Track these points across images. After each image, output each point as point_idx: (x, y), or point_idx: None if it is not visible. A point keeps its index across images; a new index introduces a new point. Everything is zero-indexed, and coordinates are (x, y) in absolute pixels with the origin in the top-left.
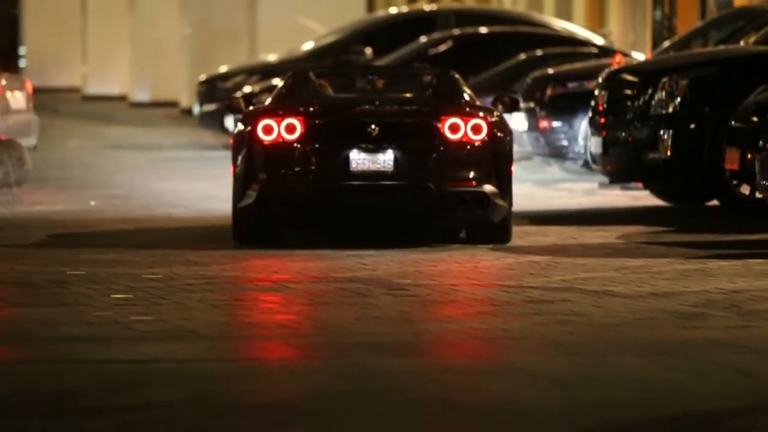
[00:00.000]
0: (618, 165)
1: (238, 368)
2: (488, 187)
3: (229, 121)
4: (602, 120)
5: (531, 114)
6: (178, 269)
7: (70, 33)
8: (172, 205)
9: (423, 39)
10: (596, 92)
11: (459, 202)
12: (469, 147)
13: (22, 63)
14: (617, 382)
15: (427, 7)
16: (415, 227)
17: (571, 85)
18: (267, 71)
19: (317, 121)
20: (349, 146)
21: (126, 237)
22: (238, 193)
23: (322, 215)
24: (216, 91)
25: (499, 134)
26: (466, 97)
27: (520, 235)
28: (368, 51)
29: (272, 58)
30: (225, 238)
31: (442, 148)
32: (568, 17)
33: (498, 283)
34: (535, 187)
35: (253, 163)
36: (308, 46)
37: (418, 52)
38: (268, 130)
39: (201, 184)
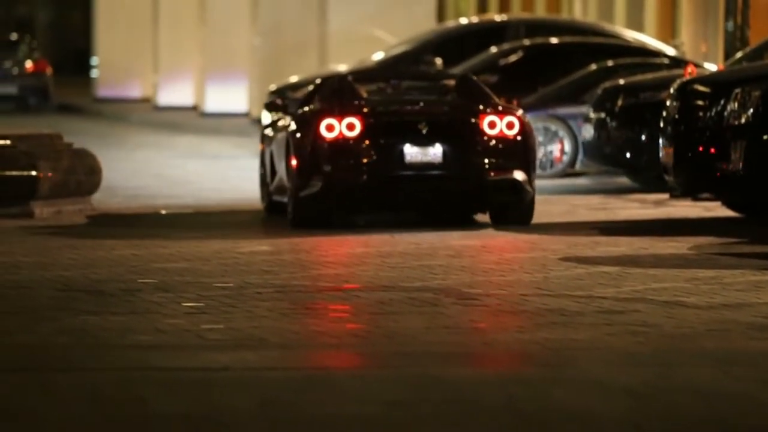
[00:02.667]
0: (690, 176)
1: (308, 377)
2: (520, 175)
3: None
4: (674, 131)
5: (601, 124)
6: (249, 278)
7: (142, 44)
8: (244, 214)
9: (493, 49)
10: (668, 103)
11: (497, 189)
12: (504, 141)
13: (94, 73)
14: (688, 393)
15: (498, 18)
16: (457, 211)
17: (643, 95)
18: None
19: (375, 120)
20: (403, 141)
21: (197, 246)
22: (300, 184)
23: (380, 201)
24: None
25: (526, 129)
26: (493, 97)
27: (590, 245)
28: (438, 61)
29: (342, 68)
30: (297, 248)
31: (482, 142)
32: (639, 28)
33: (568, 293)
34: (605, 197)
35: (316, 157)
36: (378, 56)
37: (488, 62)
38: (330, 128)
39: None
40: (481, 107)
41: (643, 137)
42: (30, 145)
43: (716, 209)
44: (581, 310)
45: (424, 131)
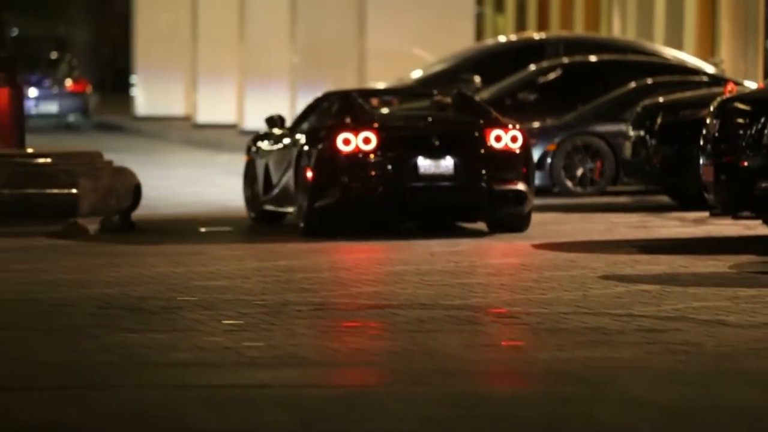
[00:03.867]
0: (729, 194)
1: (348, 395)
2: (524, 186)
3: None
4: (714, 149)
5: (641, 142)
6: (289, 295)
7: (181, 62)
8: (283, 233)
9: (532, 67)
10: (708, 121)
11: (504, 199)
12: (508, 153)
13: (134, 91)
14: (729, 412)
15: (536, 36)
16: (465, 220)
17: (682, 113)
18: None
19: (389, 134)
20: (417, 154)
21: (236, 264)
22: (315, 195)
23: (395, 211)
24: None
25: (528, 143)
26: (492, 112)
27: (630, 264)
28: (477, 79)
29: (381, 86)
30: (336, 266)
31: (489, 155)
32: (678, 46)
33: (608, 311)
34: (645, 215)
35: (333, 169)
36: (417, 74)
37: (527, 80)
38: (346, 141)
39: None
40: (487, 122)
41: (683, 155)
42: (70, 164)
43: (757, 227)
44: (621, 329)
45: (436, 144)
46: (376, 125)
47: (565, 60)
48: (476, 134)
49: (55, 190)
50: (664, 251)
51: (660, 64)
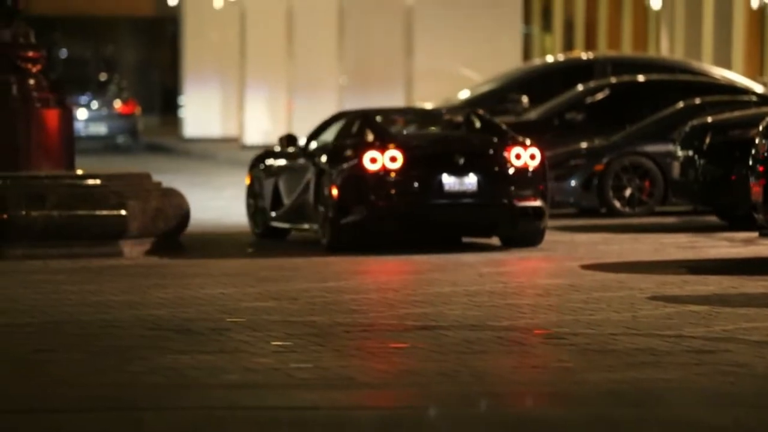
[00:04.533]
0: None
1: (396, 416)
2: (542, 202)
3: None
4: (763, 168)
5: (690, 162)
6: (337, 316)
7: (229, 83)
8: (319, 250)
9: (580, 87)
10: (757, 140)
11: (524, 215)
12: (527, 171)
13: (182, 113)
14: None
15: (584, 56)
16: (486, 234)
17: (731, 133)
18: None
19: (415, 153)
20: (441, 172)
21: (284, 285)
22: (341, 212)
23: (421, 227)
24: None
25: (544, 160)
26: (507, 129)
27: (679, 284)
28: (525, 99)
29: (428, 106)
30: (384, 287)
31: (510, 172)
32: (726, 65)
33: (657, 332)
34: (693, 235)
35: (359, 187)
36: (464, 94)
37: (574, 100)
38: (373, 160)
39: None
40: (506, 140)
41: (732, 175)
42: (119, 185)
43: None
44: (671, 350)
45: (459, 162)
46: (401, 144)
47: (613, 80)
48: (497, 152)
49: (104, 212)
50: (713, 272)
51: (708, 83)
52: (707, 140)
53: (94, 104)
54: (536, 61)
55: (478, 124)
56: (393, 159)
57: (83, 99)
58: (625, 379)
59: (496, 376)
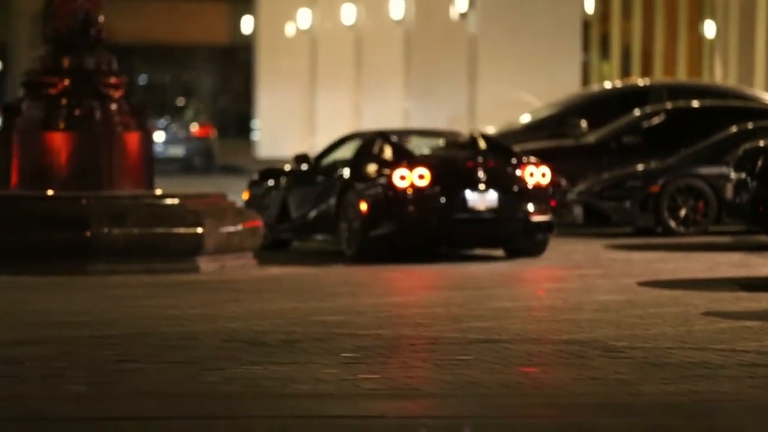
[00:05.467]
0: None
1: (460, 425)
2: (551, 217)
3: None
4: None
5: (742, 184)
6: (403, 330)
7: (300, 107)
8: (394, 270)
9: (636, 112)
10: None
11: (538, 229)
12: (539, 188)
13: (255, 135)
14: None
15: (641, 82)
16: (503, 247)
17: None
18: None
19: (440, 171)
20: (465, 188)
21: (352, 300)
22: (369, 225)
23: (446, 240)
24: None
25: (554, 178)
26: (511, 148)
27: (732, 301)
28: (583, 123)
29: (491, 130)
30: (449, 302)
31: (525, 189)
32: None
33: (711, 346)
34: (746, 254)
35: (389, 202)
36: (525, 118)
37: (632, 124)
38: (402, 177)
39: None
40: (520, 159)
41: None
42: (196, 204)
43: None
44: (724, 363)
45: (481, 180)
46: (428, 163)
47: (669, 105)
48: (514, 170)
49: (182, 230)
50: (766, 289)
51: (760, 109)
52: (759, 163)
53: (172, 128)
54: (594, 87)
55: (483, 145)
56: (421, 177)
57: (162, 123)
58: (679, 392)
59: (556, 387)
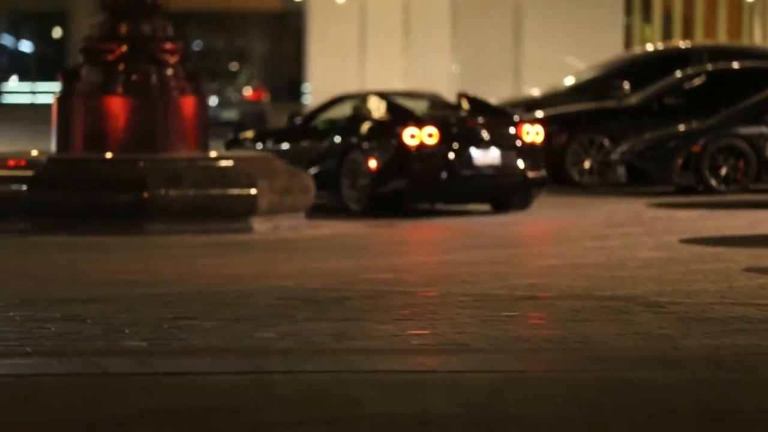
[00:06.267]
0: None
1: (507, 379)
2: (545, 173)
3: None
4: None
5: None
6: (451, 287)
7: (349, 72)
8: (441, 229)
9: (678, 74)
10: None
11: (535, 184)
12: (534, 145)
13: (306, 99)
14: None
15: (682, 44)
16: (503, 201)
17: None
18: (531, 105)
19: (448, 130)
20: (470, 146)
21: (401, 258)
22: (378, 182)
23: (453, 195)
24: None
25: (547, 136)
26: (495, 106)
27: None
28: (626, 85)
29: (536, 92)
30: (494, 260)
31: (523, 147)
32: None
33: (752, 302)
34: None
35: (399, 159)
36: (569, 81)
37: (673, 86)
38: (413, 136)
39: (470, 208)
40: (516, 118)
41: None
42: (249, 166)
43: None
44: (765, 318)
45: (484, 138)
46: (436, 122)
47: (709, 67)
48: (513, 129)
49: (236, 191)
50: None
51: None
52: None
53: (227, 92)
54: (637, 50)
55: (466, 105)
56: (430, 135)
57: (216, 87)
58: (722, 345)
59: (600, 342)
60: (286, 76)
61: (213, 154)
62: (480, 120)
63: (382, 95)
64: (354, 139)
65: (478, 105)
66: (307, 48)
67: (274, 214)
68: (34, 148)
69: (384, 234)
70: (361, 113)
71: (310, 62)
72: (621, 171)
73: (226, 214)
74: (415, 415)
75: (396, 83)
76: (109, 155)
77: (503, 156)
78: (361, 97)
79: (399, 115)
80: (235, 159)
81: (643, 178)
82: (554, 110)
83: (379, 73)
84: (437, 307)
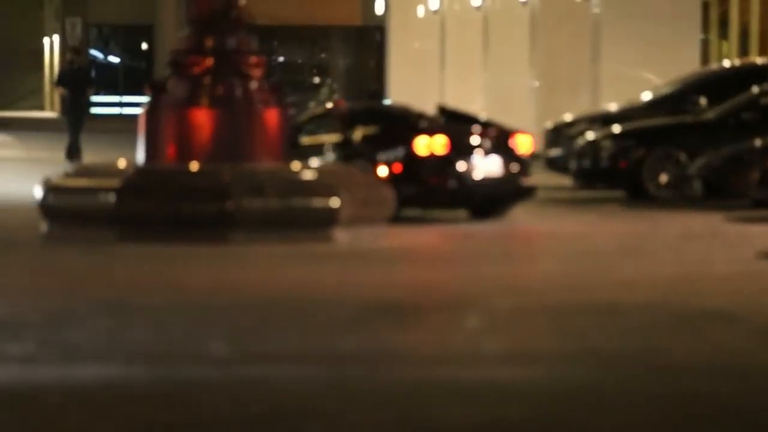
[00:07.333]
0: None
1: (580, 391)
2: (533, 181)
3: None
4: None
5: None
6: (526, 298)
7: (429, 86)
8: (517, 239)
9: (755, 89)
10: None
11: (528, 191)
12: (525, 154)
13: None
14: None
15: (759, 61)
16: (500, 208)
17: None
18: (607, 119)
19: (455, 139)
20: (475, 155)
21: (476, 269)
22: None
23: (459, 201)
24: (561, 138)
25: (534, 146)
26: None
27: None
28: (703, 101)
29: (612, 107)
30: (571, 273)
31: (517, 156)
32: None
33: None
34: None
35: (410, 166)
36: (647, 96)
37: (749, 101)
38: (424, 144)
39: (548, 221)
40: (509, 129)
41: None
42: (331, 177)
43: None
44: None
45: (487, 147)
46: (445, 131)
47: None
48: (508, 138)
49: (317, 201)
50: None
51: None
52: None
53: (309, 104)
54: (714, 66)
55: (443, 119)
56: (440, 144)
57: (298, 100)
58: None
59: (675, 354)
60: (367, 89)
61: (295, 165)
62: (480, 129)
63: (381, 106)
64: (359, 147)
65: (457, 117)
66: (388, 61)
67: (354, 225)
68: (121, 159)
69: (461, 245)
70: (358, 123)
71: (390, 75)
72: (697, 185)
73: (307, 224)
74: (487, 424)
75: (475, 97)
76: (194, 166)
77: (503, 164)
78: (356, 108)
79: (409, 125)
80: (317, 170)
81: (720, 193)
82: (631, 125)
83: (458, 86)
84: (512, 317)
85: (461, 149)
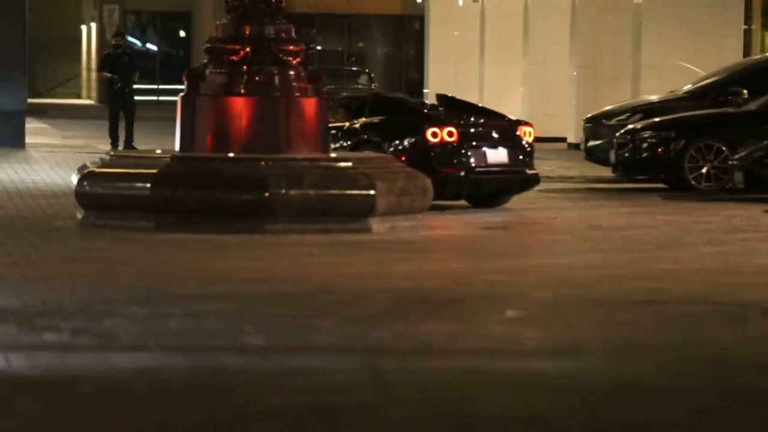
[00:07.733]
0: None
1: (621, 384)
2: (536, 170)
3: (612, 155)
4: None
5: None
6: (565, 290)
7: (469, 76)
8: (558, 232)
9: None
10: None
11: (533, 181)
12: (530, 145)
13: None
14: None
15: None
16: (505, 197)
17: None
18: (648, 110)
19: (466, 129)
20: (484, 145)
21: (517, 261)
22: None
23: (469, 190)
24: (601, 128)
25: (535, 136)
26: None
27: None
28: (744, 92)
29: (653, 98)
30: (611, 264)
31: (522, 146)
32: None
33: None
34: None
35: (421, 156)
36: (687, 87)
37: None
38: (435, 134)
39: (587, 213)
40: (515, 120)
41: None
42: (369, 167)
43: None
44: None
45: (495, 138)
46: (456, 122)
47: None
48: (514, 129)
49: (355, 191)
50: None
51: None
52: None
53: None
54: (756, 57)
55: (442, 107)
56: (450, 134)
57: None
58: None
59: (717, 347)
60: (406, 80)
61: (333, 154)
62: (487, 120)
63: (384, 96)
64: (368, 136)
65: (459, 105)
66: (427, 51)
67: (391, 215)
68: (158, 147)
69: (499, 236)
70: (363, 112)
71: (429, 65)
72: (739, 177)
73: (344, 214)
74: (527, 417)
75: (514, 86)
76: (231, 154)
77: (510, 154)
78: (360, 98)
79: (417, 114)
80: (355, 160)
81: (761, 184)
82: (672, 116)
83: (497, 76)
84: (552, 309)
85: (470, 139)
